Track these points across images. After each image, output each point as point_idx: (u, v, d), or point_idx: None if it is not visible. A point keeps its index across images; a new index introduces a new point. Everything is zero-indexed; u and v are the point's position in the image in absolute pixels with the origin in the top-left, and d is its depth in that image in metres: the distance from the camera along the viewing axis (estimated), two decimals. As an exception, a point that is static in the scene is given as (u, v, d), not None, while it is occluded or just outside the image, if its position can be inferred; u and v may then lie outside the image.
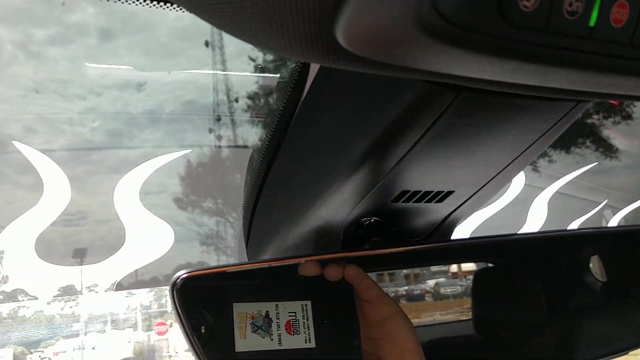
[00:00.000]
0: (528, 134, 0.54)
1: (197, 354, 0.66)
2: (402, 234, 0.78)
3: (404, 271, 1.66)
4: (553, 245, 1.00)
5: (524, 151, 0.58)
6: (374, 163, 0.59)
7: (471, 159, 0.59)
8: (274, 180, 0.88)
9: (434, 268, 1.77)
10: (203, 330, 0.68)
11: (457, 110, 0.48)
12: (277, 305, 0.72)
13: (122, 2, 0.82)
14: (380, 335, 0.72)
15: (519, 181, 4.22)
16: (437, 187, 0.67)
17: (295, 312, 0.71)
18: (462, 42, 0.27)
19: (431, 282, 1.79)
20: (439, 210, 0.75)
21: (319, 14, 0.28)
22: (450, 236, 0.81)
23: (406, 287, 1.70)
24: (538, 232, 0.94)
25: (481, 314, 1.04)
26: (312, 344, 0.71)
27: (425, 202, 0.70)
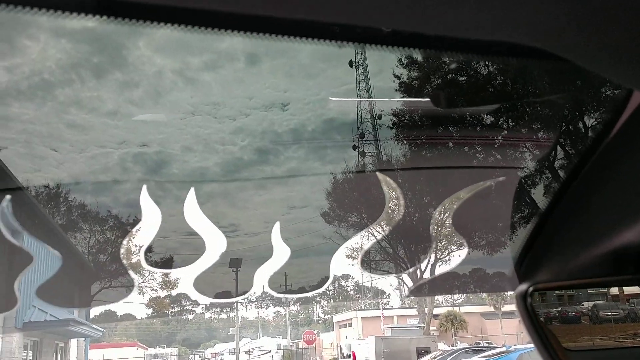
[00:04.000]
0: None
1: None
2: None
3: (556, 292, 1.55)
4: None
5: None
6: None
7: None
8: (571, 201, 0.86)
9: (590, 290, 1.62)
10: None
11: None
12: None
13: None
14: None
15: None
16: None
17: None
18: None
19: (587, 304, 1.64)
20: None
21: None
22: None
23: (559, 309, 1.58)
24: None
25: None
26: None
27: None
